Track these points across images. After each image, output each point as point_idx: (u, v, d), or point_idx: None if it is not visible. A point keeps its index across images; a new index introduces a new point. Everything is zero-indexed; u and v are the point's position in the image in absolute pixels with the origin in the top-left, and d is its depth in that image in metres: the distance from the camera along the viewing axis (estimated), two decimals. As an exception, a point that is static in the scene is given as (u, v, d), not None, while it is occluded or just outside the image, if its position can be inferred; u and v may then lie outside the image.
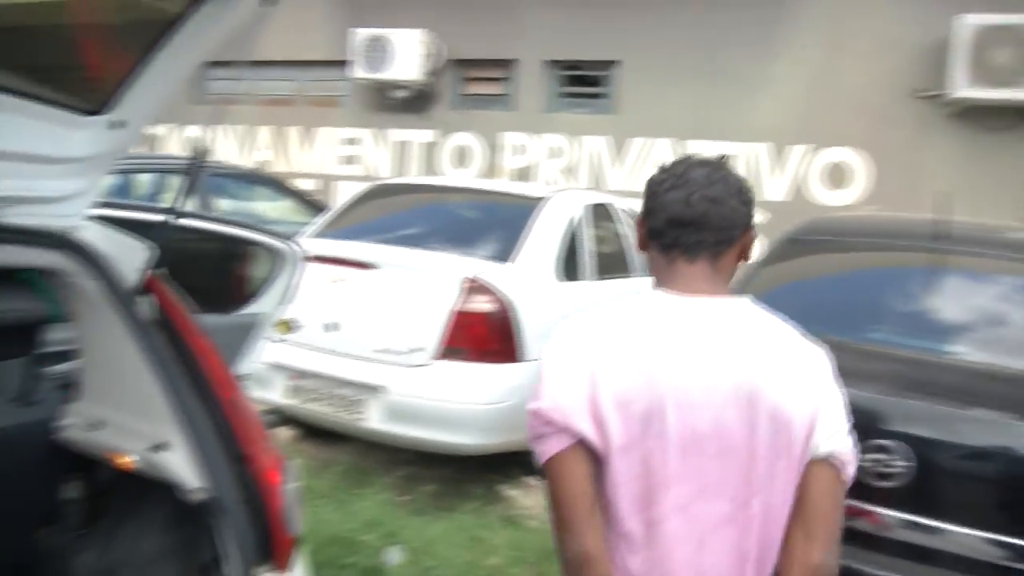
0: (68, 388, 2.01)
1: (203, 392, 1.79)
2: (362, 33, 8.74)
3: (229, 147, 10.17)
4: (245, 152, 10.10)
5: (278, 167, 9.81)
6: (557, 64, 8.84)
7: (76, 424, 1.95)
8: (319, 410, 3.98)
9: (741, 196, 1.36)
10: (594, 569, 1.25)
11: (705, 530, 1.26)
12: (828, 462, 1.29)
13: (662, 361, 1.26)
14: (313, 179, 9.66)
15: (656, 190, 1.38)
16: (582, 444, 1.25)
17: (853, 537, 2.53)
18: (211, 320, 2.83)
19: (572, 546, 1.26)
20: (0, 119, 1.59)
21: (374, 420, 3.82)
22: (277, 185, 7.18)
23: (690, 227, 1.33)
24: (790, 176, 7.90)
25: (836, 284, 3.62)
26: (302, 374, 4.04)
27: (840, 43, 7.68)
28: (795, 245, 3.81)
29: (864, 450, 2.48)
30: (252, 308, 2.90)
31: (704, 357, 1.27)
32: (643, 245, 1.44)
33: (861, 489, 2.53)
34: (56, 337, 2.05)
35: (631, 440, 1.25)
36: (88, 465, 2.01)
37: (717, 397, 1.25)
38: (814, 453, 1.28)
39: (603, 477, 1.27)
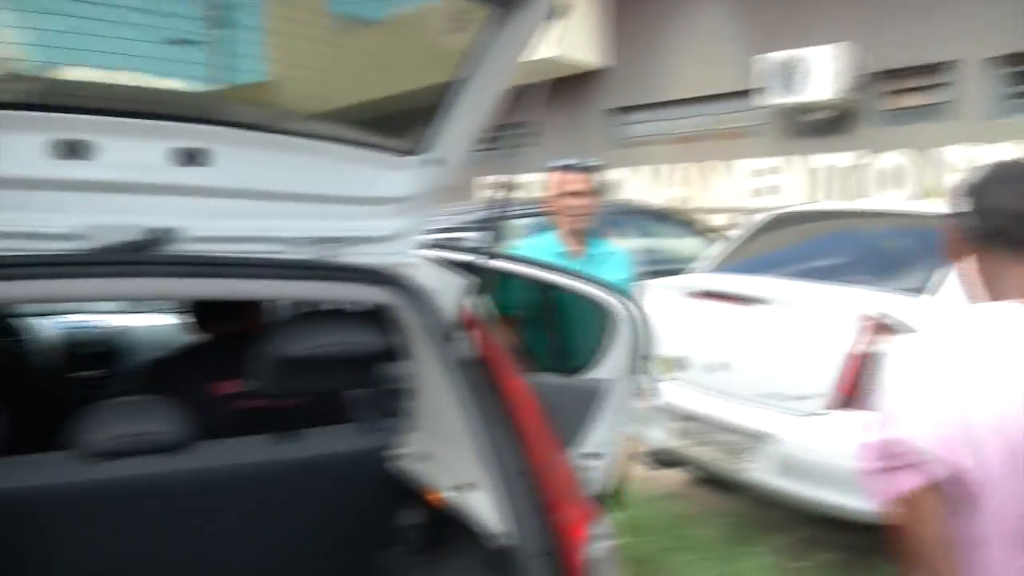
0: (403, 419, 2.09)
1: (513, 436, 1.73)
2: (772, 58, 8.40)
3: (644, 186, 10.51)
4: (659, 190, 10.33)
5: (692, 203, 9.84)
6: (1002, 60, 7.47)
7: (408, 455, 2.03)
8: (704, 455, 3.77)
9: None
10: None
11: None
12: None
13: None
14: (728, 213, 9.48)
15: (985, 189, 1.25)
16: (941, 480, 1.13)
17: None
18: (545, 380, 2.37)
19: None
20: (328, 166, 1.75)
21: (761, 471, 3.48)
22: (686, 222, 7.18)
23: None
24: None
25: None
26: (687, 416, 3.87)
27: None
28: None
29: None
30: (597, 373, 2.52)
31: None
32: (960, 253, 1.30)
33: None
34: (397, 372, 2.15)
35: (1015, 471, 1.10)
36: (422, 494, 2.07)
37: None
38: None
39: (972, 515, 1.14)
